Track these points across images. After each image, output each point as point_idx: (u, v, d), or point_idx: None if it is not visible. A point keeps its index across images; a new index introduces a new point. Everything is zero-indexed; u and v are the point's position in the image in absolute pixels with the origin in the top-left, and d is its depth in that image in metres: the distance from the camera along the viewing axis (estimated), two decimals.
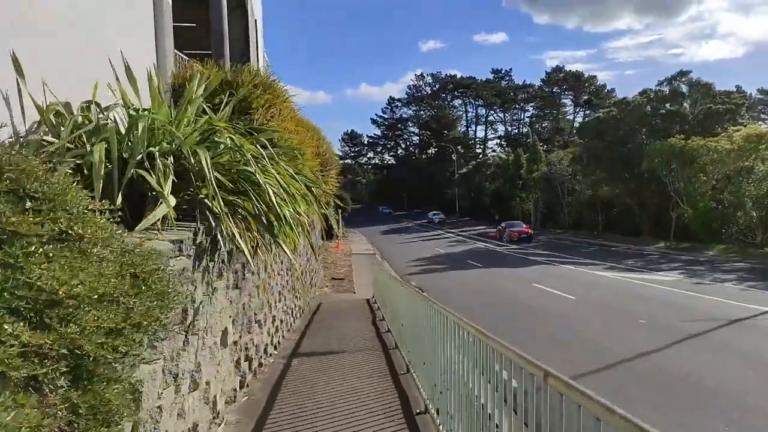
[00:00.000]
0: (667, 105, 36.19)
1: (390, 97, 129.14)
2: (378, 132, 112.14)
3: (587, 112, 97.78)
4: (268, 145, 4.92)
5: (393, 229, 58.47)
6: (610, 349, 9.97)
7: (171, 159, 3.73)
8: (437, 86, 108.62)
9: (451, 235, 48.85)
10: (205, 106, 4.73)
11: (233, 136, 4.07)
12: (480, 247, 37.03)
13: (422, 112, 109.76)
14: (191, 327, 3.47)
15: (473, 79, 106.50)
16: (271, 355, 7.46)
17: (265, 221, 4.39)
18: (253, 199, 4.07)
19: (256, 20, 16.13)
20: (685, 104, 36.06)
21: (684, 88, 37.74)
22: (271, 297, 7.69)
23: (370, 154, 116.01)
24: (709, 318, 12.47)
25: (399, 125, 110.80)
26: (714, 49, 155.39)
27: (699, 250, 28.72)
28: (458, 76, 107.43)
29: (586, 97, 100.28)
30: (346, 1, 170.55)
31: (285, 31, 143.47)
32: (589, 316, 13.41)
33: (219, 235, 4.46)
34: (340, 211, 45.17)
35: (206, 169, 3.58)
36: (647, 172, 34.00)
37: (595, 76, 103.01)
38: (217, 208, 3.65)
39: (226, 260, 4.88)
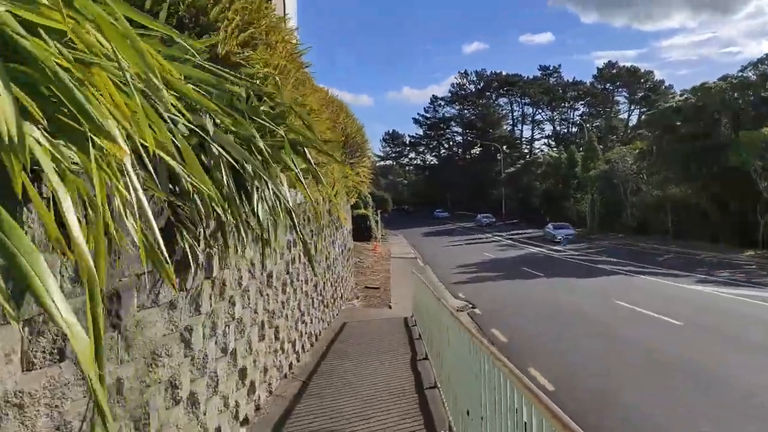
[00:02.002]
0: (758, 91, 31.18)
1: (433, 95, 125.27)
2: (420, 132, 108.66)
3: (643, 109, 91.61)
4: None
5: (436, 231, 54.85)
6: None
7: None
8: (482, 84, 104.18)
9: (499, 238, 44.87)
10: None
11: None
12: (534, 252, 33.04)
13: (466, 111, 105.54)
14: None
15: (519, 77, 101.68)
16: None
17: None
18: None
19: None
20: None
21: None
22: (237, 338, 4.45)
23: (412, 155, 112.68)
24: None
25: (442, 125, 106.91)
26: None
27: None
28: (504, 73, 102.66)
29: (641, 94, 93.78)
30: (387, 7, 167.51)
31: (324, 41, 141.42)
32: (730, 360, 9.55)
33: None
34: (379, 211, 42.14)
35: None
36: (733, 168, 29.27)
37: (651, 72, 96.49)
38: None
39: None
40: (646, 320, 12.72)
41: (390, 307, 13.89)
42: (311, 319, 8.38)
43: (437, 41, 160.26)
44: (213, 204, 3.45)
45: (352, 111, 14.80)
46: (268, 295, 5.60)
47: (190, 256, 3.11)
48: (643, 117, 71.95)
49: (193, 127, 3.11)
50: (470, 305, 15.99)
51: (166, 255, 1.93)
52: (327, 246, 10.80)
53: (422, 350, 8.04)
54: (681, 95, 37.92)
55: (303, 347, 7.76)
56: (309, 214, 8.36)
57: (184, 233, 3.14)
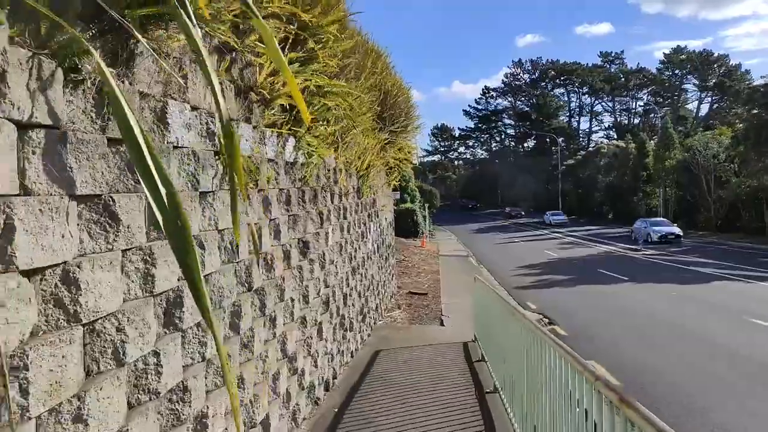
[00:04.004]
0: None
1: (485, 86, 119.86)
2: (470, 124, 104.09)
3: (716, 97, 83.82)
4: None
5: (488, 227, 50.79)
6: None
7: None
8: (537, 74, 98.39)
9: (558, 235, 40.43)
10: None
11: None
12: (606, 250, 28.65)
13: (519, 102, 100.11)
14: None
15: (578, 65, 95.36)
16: None
17: None
18: None
19: None
20: None
21: None
22: None
23: (461, 149, 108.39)
24: None
25: (493, 117, 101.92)
26: None
27: None
28: (561, 61, 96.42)
29: (715, 81, 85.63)
30: (437, 1, 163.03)
31: (377, 33, 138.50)
32: None
33: None
34: (427, 206, 38.66)
35: None
36: None
37: (726, 55, 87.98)
38: None
39: None
40: None
41: (442, 323, 10.40)
42: (315, 361, 5.02)
43: (489, 34, 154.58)
44: None
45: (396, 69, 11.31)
46: (160, 354, 2.26)
47: None
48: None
49: None
50: (546, 319, 12.30)
51: None
52: (354, 241, 7.45)
53: (505, 421, 4.55)
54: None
55: (294, 417, 4.41)
56: (313, 184, 4.99)
57: None
